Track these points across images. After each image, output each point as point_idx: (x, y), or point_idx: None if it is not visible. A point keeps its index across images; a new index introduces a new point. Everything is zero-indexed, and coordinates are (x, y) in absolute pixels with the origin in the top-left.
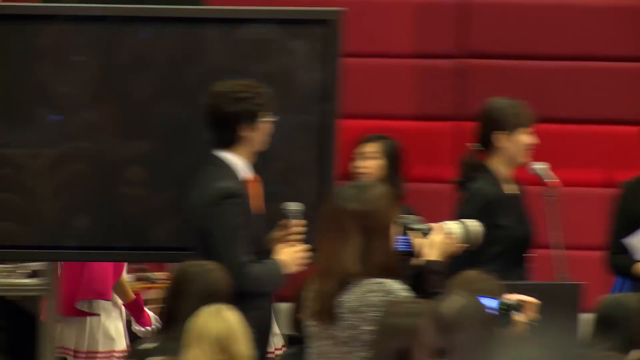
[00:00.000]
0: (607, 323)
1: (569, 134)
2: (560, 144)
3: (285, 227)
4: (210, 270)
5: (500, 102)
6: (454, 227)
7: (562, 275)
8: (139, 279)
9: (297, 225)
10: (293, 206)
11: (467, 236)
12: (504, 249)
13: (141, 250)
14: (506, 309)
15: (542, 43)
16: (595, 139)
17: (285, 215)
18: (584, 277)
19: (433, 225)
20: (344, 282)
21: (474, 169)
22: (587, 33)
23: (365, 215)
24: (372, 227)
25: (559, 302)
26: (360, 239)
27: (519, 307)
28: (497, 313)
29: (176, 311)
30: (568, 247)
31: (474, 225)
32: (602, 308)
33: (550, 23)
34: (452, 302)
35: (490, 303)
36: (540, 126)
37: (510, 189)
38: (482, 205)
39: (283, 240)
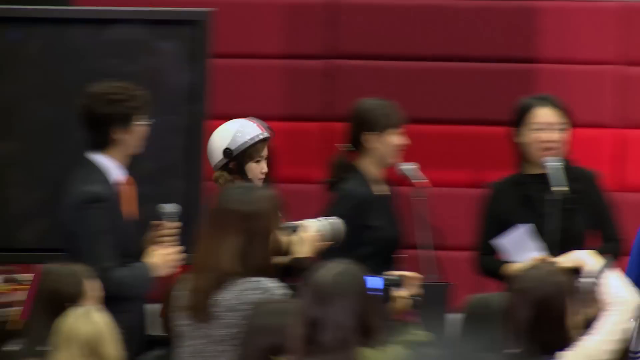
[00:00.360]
0: (474, 323)
1: (437, 134)
2: (429, 144)
3: (159, 228)
4: (63, 272)
5: (369, 102)
6: (317, 224)
7: (431, 276)
8: (6, 281)
9: (171, 227)
10: (168, 208)
11: (331, 233)
12: (374, 250)
13: (9, 252)
14: (388, 285)
15: (410, 44)
16: (464, 139)
17: (160, 216)
18: (453, 277)
19: (301, 222)
20: (221, 280)
21: (344, 170)
22: (455, 34)
23: (248, 216)
24: (254, 228)
25: (428, 302)
26: (240, 238)
27: (399, 282)
28: (382, 293)
29: (34, 312)
30: (437, 248)
31: (336, 222)
32: (469, 308)
33: (418, 24)
34: (328, 270)
35: (375, 282)
36: (410, 127)
37: (380, 189)
38: (352, 206)
39: (156, 242)
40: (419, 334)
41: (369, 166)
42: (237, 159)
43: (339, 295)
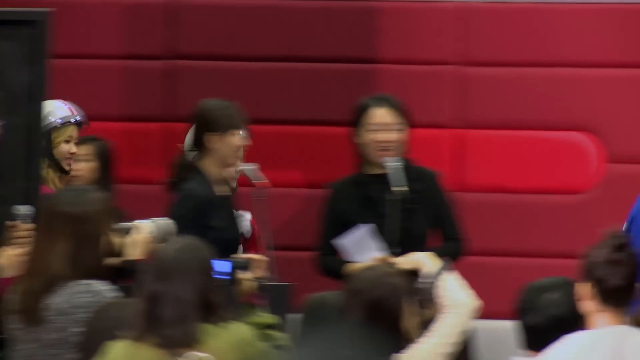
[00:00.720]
0: (312, 322)
1: (279, 135)
2: (271, 145)
3: (13, 230)
4: None
5: (211, 103)
6: (148, 225)
7: (271, 276)
8: None
9: (25, 229)
10: (23, 209)
11: (162, 235)
12: (215, 250)
13: None
14: (235, 268)
15: (251, 44)
16: (305, 139)
17: (14, 218)
18: (294, 277)
19: (133, 224)
20: (51, 284)
21: (185, 170)
22: (295, 34)
23: (78, 218)
24: (84, 231)
25: (269, 302)
26: (71, 241)
27: (246, 265)
28: (229, 276)
29: None
30: (278, 248)
31: (167, 223)
32: (308, 308)
33: (259, 24)
34: (171, 245)
35: (223, 266)
36: (252, 127)
37: (221, 190)
38: (194, 206)
39: (10, 243)
40: (265, 317)
41: (211, 166)
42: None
43: (180, 270)
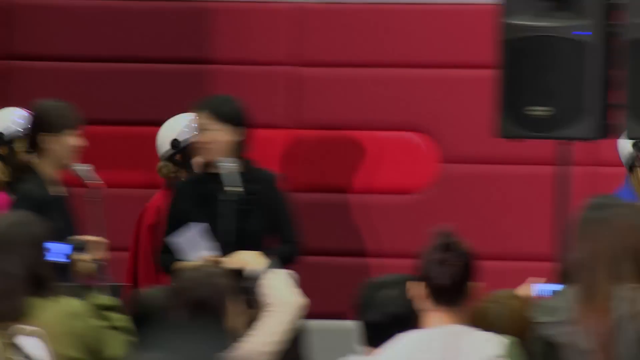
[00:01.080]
0: (138, 320)
1: (114, 135)
2: (106, 145)
3: None
4: None
5: (46, 104)
6: None
7: (105, 276)
8: None
9: None
10: None
11: None
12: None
13: None
14: (73, 249)
15: (86, 45)
16: (140, 140)
17: None
18: (128, 277)
19: None
20: None
21: (21, 171)
22: (130, 35)
23: None
24: None
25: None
26: None
27: (83, 246)
28: (68, 259)
29: None
30: (113, 249)
31: None
32: (135, 305)
33: (95, 25)
34: (1, 219)
35: (61, 248)
36: (86, 128)
37: (56, 190)
38: (30, 206)
39: None
40: (103, 298)
41: (46, 167)
42: (183, 151)
43: (8, 244)
